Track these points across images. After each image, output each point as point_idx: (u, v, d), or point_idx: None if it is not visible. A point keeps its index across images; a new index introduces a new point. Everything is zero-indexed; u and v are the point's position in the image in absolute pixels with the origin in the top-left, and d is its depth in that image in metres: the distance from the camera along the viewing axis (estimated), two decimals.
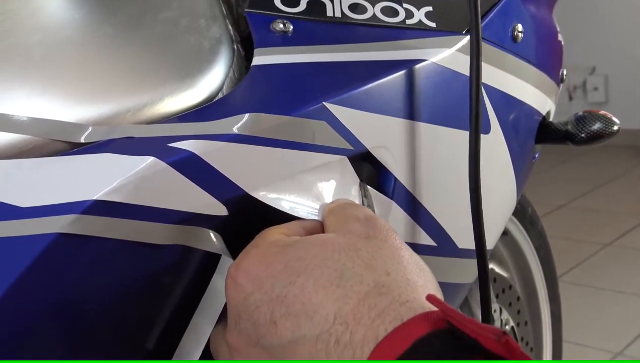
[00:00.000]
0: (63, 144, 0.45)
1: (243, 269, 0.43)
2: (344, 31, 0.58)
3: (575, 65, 3.79)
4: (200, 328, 0.48)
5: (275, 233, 0.46)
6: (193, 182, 0.44)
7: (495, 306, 0.99)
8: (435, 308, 0.38)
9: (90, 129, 0.46)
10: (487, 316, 0.60)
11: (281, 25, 0.56)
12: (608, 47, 3.78)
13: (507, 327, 1.05)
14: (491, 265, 1.07)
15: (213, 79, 0.52)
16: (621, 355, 1.79)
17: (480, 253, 0.57)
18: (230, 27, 0.57)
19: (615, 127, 0.78)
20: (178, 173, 0.43)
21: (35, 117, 0.45)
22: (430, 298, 0.38)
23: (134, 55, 0.52)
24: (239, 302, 0.42)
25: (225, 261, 0.48)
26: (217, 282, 0.48)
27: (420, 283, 0.41)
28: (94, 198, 0.41)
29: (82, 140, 0.45)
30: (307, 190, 0.51)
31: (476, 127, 0.56)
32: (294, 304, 0.40)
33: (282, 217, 0.48)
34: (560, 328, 1.26)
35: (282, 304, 0.40)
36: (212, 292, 0.48)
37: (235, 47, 0.56)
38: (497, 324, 0.99)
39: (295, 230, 0.47)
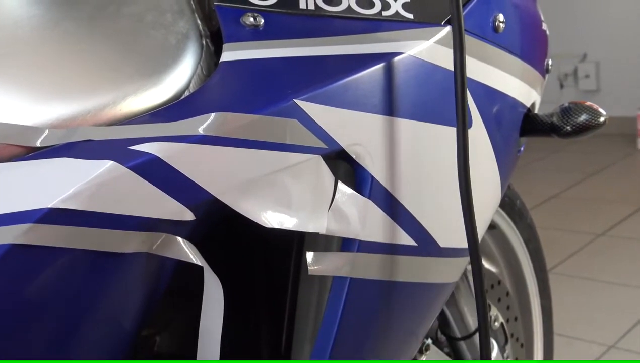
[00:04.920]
0: (17, 148, 0.43)
1: None
2: (318, 24, 0.57)
3: (566, 52, 3.78)
4: (212, 334, 0.46)
5: None
6: (156, 186, 0.43)
7: None
8: None
9: (46, 132, 0.44)
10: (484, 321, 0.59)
11: (252, 19, 0.55)
12: (599, 33, 3.78)
13: (497, 324, 1.04)
14: None
15: (179, 76, 0.51)
16: (614, 348, 1.79)
17: (474, 253, 0.56)
18: (199, 22, 0.56)
19: (602, 119, 0.77)
20: (139, 177, 0.42)
21: None
22: None
23: (95, 52, 0.51)
24: None
25: (208, 271, 0.46)
26: (210, 290, 0.47)
27: None
28: (49, 206, 0.40)
29: (38, 144, 0.44)
30: (280, 192, 0.49)
31: (463, 121, 0.55)
32: None
33: (251, 222, 0.47)
34: (551, 322, 1.25)
35: None
36: (209, 302, 0.47)
37: (203, 42, 0.54)
38: None
39: None
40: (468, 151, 0.55)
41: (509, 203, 1.10)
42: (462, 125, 0.55)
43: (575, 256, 2.34)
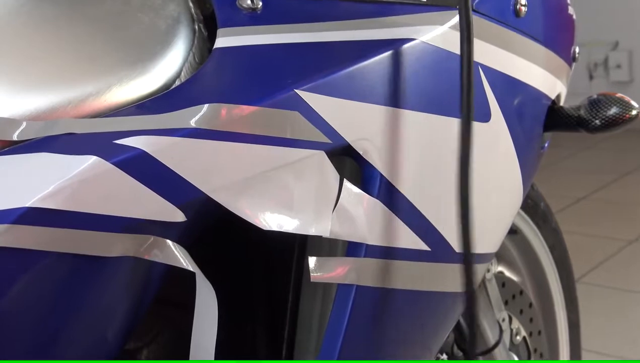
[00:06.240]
0: None
1: None
2: (321, 7, 0.57)
3: (596, 40, 3.78)
4: (205, 347, 0.47)
5: None
6: (143, 184, 0.43)
7: (504, 314, 0.98)
8: None
9: (24, 124, 0.45)
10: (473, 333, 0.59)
11: (249, 2, 0.55)
12: (632, 19, 3.77)
13: (518, 338, 1.05)
14: (500, 268, 1.07)
15: (169, 64, 0.51)
16: None
17: (467, 260, 0.56)
18: (190, 5, 0.56)
19: (634, 112, 0.77)
20: (125, 174, 0.42)
21: None
22: None
23: (76, 38, 0.51)
24: None
25: (200, 278, 0.47)
26: (202, 298, 0.47)
27: None
28: (27, 205, 0.40)
29: (15, 137, 0.44)
30: (279, 191, 0.49)
31: (468, 119, 0.55)
32: None
33: (248, 224, 0.47)
34: (579, 337, 1.25)
35: None
36: (201, 312, 0.47)
37: (196, 27, 0.55)
38: (507, 334, 0.98)
39: None
40: (471, 144, 0.55)
41: (532, 206, 1.10)
42: (467, 120, 0.55)
43: (606, 264, 2.34)
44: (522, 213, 1.09)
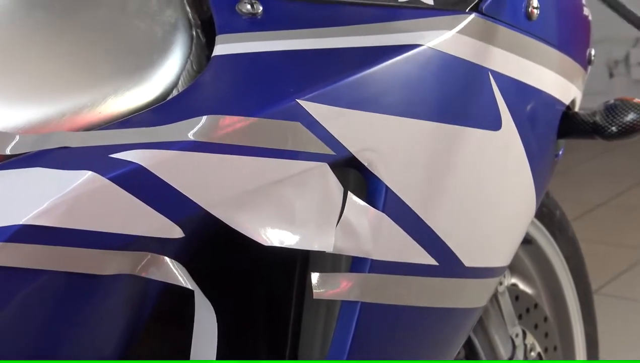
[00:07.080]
0: None
1: None
2: (324, 12, 0.58)
3: (616, 35, 3.77)
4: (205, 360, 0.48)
5: None
6: (140, 199, 0.44)
7: (517, 329, 0.98)
8: None
9: (17, 138, 0.45)
10: None
11: (248, 6, 0.56)
12: None
13: (533, 354, 1.05)
14: (513, 280, 1.07)
15: (166, 73, 0.52)
16: None
17: None
18: (188, 9, 0.57)
19: None
20: (122, 189, 0.43)
21: None
22: None
23: (71, 46, 0.52)
24: None
25: (199, 296, 0.47)
26: (201, 316, 0.48)
27: None
28: (21, 222, 0.41)
29: (8, 151, 0.45)
30: (281, 205, 0.50)
31: None
32: None
33: (248, 240, 0.48)
34: (597, 352, 1.25)
35: None
36: (201, 330, 0.48)
37: (193, 33, 0.56)
38: (520, 350, 0.98)
39: None
40: None
41: (548, 214, 1.11)
42: None
43: (626, 274, 2.33)
44: (537, 222, 1.09)
